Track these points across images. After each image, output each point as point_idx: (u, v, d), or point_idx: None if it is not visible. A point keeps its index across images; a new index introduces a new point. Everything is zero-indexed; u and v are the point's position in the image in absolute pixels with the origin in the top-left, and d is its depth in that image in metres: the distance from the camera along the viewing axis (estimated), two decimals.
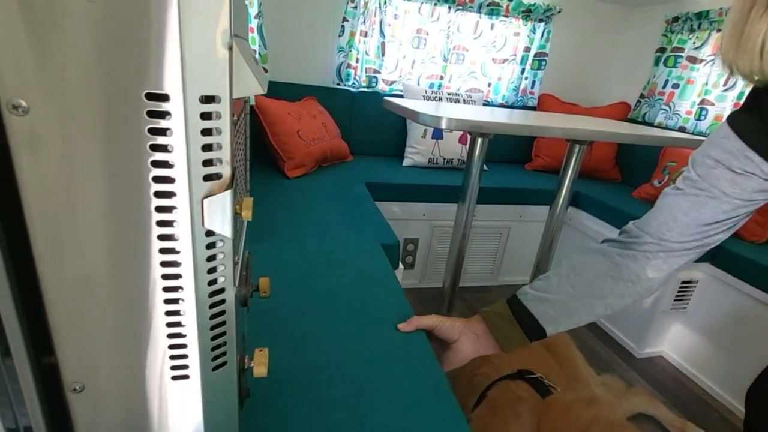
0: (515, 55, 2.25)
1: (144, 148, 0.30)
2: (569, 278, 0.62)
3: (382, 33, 2.04)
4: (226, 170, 0.33)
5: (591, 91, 2.51)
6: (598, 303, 0.60)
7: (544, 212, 1.61)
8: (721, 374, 1.46)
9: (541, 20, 2.19)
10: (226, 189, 0.33)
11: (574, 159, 1.48)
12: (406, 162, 2.05)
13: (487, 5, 2.09)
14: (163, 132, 0.30)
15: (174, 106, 0.30)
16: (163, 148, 0.30)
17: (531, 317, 0.62)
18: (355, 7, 1.97)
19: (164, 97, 0.29)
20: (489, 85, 2.31)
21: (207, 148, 0.32)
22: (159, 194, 0.31)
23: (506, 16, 2.15)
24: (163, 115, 0.30)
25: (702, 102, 1.90)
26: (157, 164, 0.30)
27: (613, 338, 1.72)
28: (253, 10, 1.57)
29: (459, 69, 2.24)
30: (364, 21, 2.00)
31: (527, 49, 2.23)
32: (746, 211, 0.55)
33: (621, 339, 1.70)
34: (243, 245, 0.51)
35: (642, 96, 2.18)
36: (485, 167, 2.13)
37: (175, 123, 0.30)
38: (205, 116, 0.31)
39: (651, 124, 2.12)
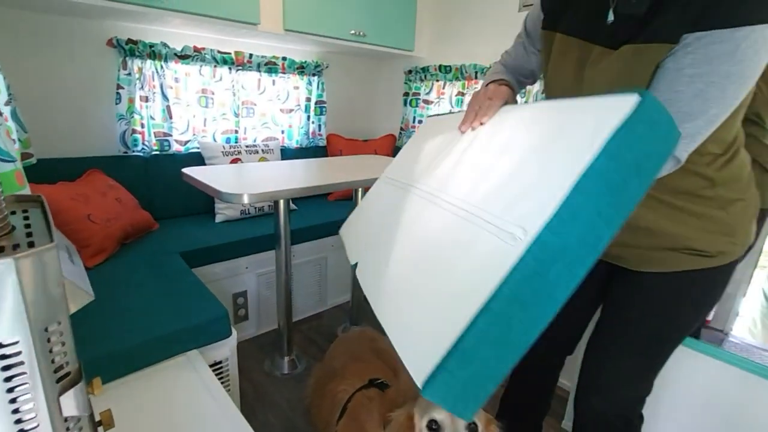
0: (299, 105, 2.54)
1: (1, 390, 0.40)
2: (490, 73, 0.99)
3: (165, 96, 2.04)
4: (73, 366, 0.45)
5: (366, 127, 3.03)
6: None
7: None
8: None
9: (314, 74, 2.53)
10: (77, 382, 0.45)
11: (360, 193, 1.84)
12: (218, 218, 2.10)
13: (265, 65, 2.31)
14: (16, 365, 0.40)
15: (24, 345, 0.41)
16: (17, 377, 0.41)
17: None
18: (129, 74, 1.92)
19: (14, 344, 0.40)
20: (282, 132, 2.54)
21: (54, 360, 0.43)
22: (21, 409, 0.41)
23: (284, 73, 2.42)
24: (16, 355, 0.40)
25: None
26: (11, 390, 0.40)
27: None
28: (2, 98, 1.40)
29: (251, 121, 2.40)
30: (143, 86, 1.97)
31: (308, 99, 2.55)
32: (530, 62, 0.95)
33: None
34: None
35: (401, 129, 2.76)
36: (294, 206, 2.36)
37: (27, 356, 0.41)
38: (50, 339, 0.42)
39: None
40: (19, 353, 0.40)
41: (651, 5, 0.62)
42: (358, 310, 2.11)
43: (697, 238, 0.76)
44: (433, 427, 0.75)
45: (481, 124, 0.79)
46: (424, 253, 0.62)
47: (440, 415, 0.75)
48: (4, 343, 0.39)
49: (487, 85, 0.92)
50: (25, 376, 0.41)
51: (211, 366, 1.19)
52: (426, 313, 0.51)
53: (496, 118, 0.77)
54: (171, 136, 2.11)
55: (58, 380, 0.43)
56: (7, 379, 0.40)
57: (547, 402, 1.22)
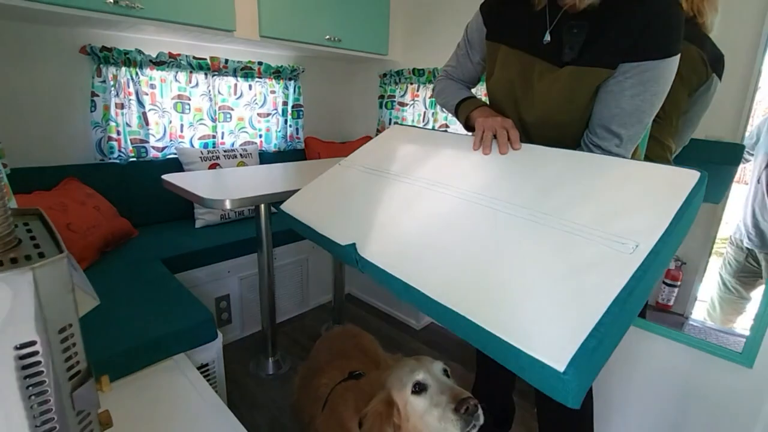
0: (276, 109, 2.57)
1: (21, 387, 0.44)
2: (451, 90, 1.09)
3: (140, 103, 2.04)
4: (83, 365, 0.49)
5: (343, 130, 3.08)
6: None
7: None
8: None
9: (290, 78, 2.56)
10: (87, 379, 0.49)
11: None
12: (198, 223, 2.11)
13: (241, 69, 2.33)
14: (34, 365, 0.45)
15: (41, 346, 0.45)
16: (37, 375, 0.45)
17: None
18: (104, 82, 1.91)
19: (31, 343, 0.44)
20: (260, 136, 2.56)
21: (68, 359, 0.47)
22: (39, 404, 0.45)
23: (260, 78, 2.44)
24: (33, 354, 0.44)
25: None
26: (30, 385, 0.45)
27: (397, 319, 2.24)
28: None
29: (229, 126, 2.41)
30: (118, 94, 1.96)
31: (285, 103, 2.58)
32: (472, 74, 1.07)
33: (403, 318, 2.23)
34: None
35: (378, 130, 2.82)
36: (274, 209, 2.38)
37: (44, 356, 0.45)
38: (64, 340, 0.47)
39: None
40: (36, 353, 0.44)
41: (588, 35, 0.78)
42: (340, 309, 2.16)
43: None
44: (418, 388, 0.80)
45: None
46: (494, 249, 0.71)
47: (420, 376, 0.80)
48: (24, 343, 0.43)
49: (461, 101, 1.02)
50: (42, 374, 0.45)
51: (198, 368, 1.23)
52: (544, 305, 0.59)
53: (526, 150, 0.89)
54: (147, 142, 2.11)
55: (71, 377, 0.47)
56: (27, 377, 0.44)
57: None
